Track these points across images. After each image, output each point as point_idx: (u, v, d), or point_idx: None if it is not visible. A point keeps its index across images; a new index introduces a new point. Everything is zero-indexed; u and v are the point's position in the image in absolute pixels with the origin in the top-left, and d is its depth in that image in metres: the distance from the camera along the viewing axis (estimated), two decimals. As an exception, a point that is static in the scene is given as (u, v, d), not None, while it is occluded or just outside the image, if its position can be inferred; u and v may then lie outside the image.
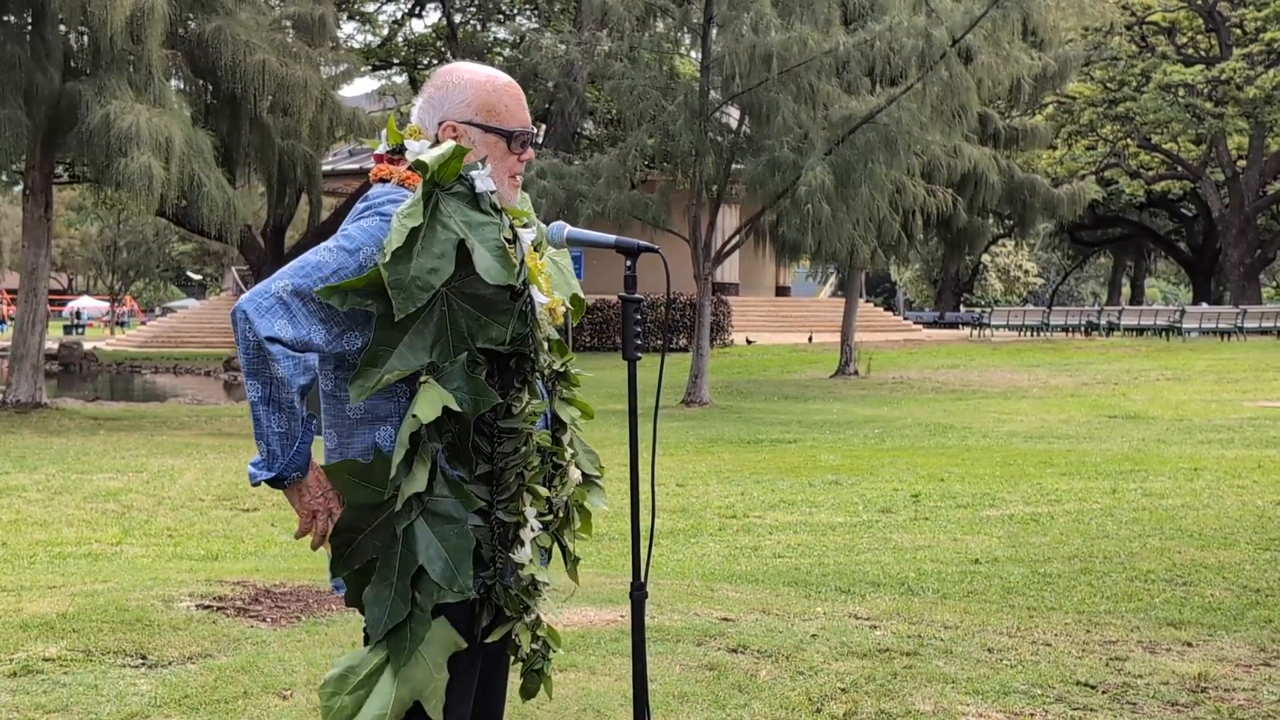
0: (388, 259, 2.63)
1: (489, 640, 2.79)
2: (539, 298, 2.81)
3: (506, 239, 2.73)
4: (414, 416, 2.66)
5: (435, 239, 2.66)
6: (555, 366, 2.98)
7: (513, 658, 2.91)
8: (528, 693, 2.92)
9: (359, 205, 2.82)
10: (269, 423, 2.68)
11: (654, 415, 3.61)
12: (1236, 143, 52.60)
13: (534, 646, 2.86)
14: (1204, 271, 63.23)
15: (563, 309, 2.95)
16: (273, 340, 2.64)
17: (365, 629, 2.79)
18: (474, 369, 2.69)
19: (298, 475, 2.72)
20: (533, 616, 2.84)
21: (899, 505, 11.21)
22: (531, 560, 2.80)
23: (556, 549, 3.03)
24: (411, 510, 2.68)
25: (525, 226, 2.87)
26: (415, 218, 2.66)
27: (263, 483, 2.74)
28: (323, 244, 2.75)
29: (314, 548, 2.82)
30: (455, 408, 2.67)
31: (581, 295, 3.13)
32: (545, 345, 2.92)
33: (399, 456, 2.68)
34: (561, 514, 3.00)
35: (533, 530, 2.80)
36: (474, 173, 2.76)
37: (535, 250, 2.91)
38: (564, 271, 3.07)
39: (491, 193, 2.77)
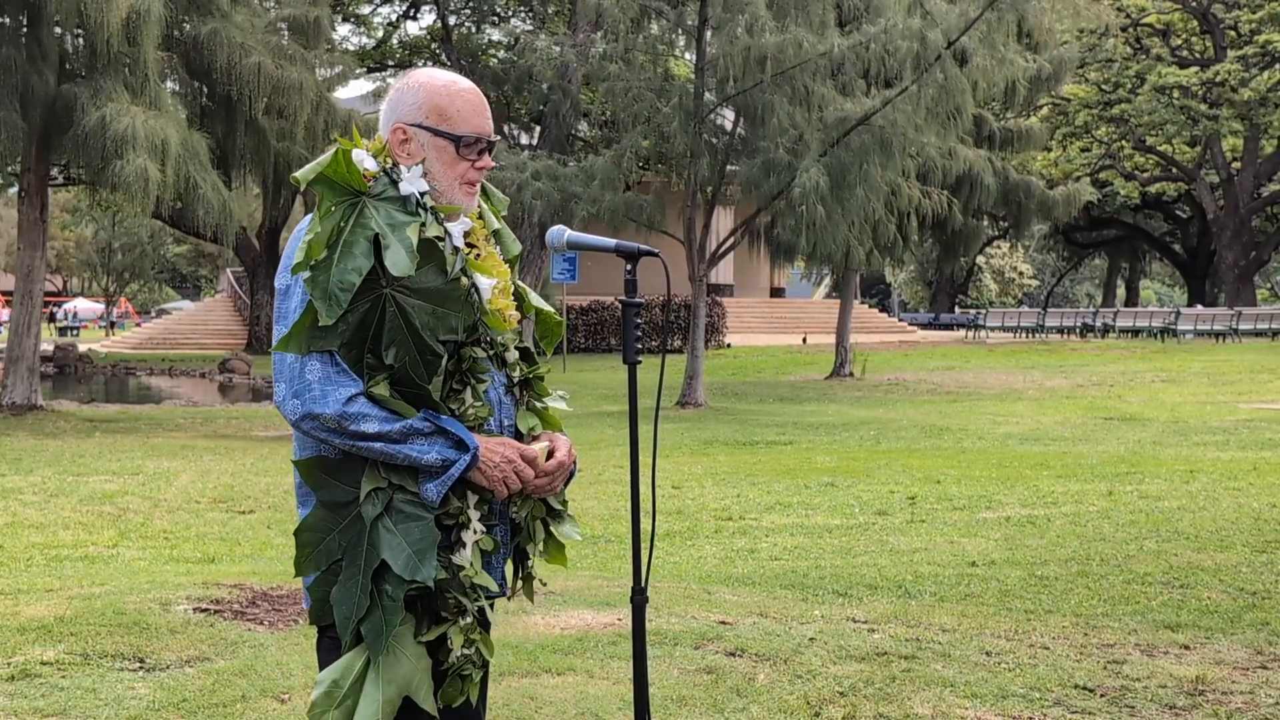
0: (308, 274, 2.66)
1: (424, 639, 2.76)
2: (483, 282, 2.82)
3: (436, 235, 2.73)
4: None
5: (356, 243, 2.68)
6: (518, 374, 2.97)
7: (444, 662, 2.83)
8: (448, 698, 2.85)
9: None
10: (419, 456, 2.70)
11: (654, 419, 3.60)
12: (1231, 145, 52.67)
13: (465, 651, 2.82)
14: (1199, 273, 63.30)
15: (515, 314, 2.94)
16: (350, 400, 2.68)
17: (329, 635, 2.79)
18: (430, 364, 2.71)
19: (472, 455, 2.72)
20: (468, 620, 2.80)
21: (895, 507, 11.22)
22: (472, 563, 2.78)
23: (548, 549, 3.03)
24: (375, 504, 2.69)
25: (478, 220, 2.90)
26: (311, 230, 2.70)
27: (463, 469, 2.73)
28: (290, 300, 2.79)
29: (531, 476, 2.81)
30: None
31: (558, 317, 3.12)
32: (513, 342, 2.94)
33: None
34: (522, 527, 2.95)
35: (475, 533, 2.78)
36: (404, 175, 2.78)
37: (490, 242, 2.93)
38: (525, 293, 3.06)
39: (423, 194, 2.78)
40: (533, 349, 3.03)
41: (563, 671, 5.54)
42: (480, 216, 2.96)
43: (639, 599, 3.06)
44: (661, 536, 9.76)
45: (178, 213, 26.31)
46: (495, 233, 3.01)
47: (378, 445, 2.68)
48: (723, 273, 44.58)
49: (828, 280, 61.20)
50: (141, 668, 5.57)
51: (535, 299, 3.07)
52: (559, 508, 2.99)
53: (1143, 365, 30.47)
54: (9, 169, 23.43)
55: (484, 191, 3.01)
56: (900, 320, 59.76)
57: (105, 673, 5.46)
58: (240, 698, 5.14)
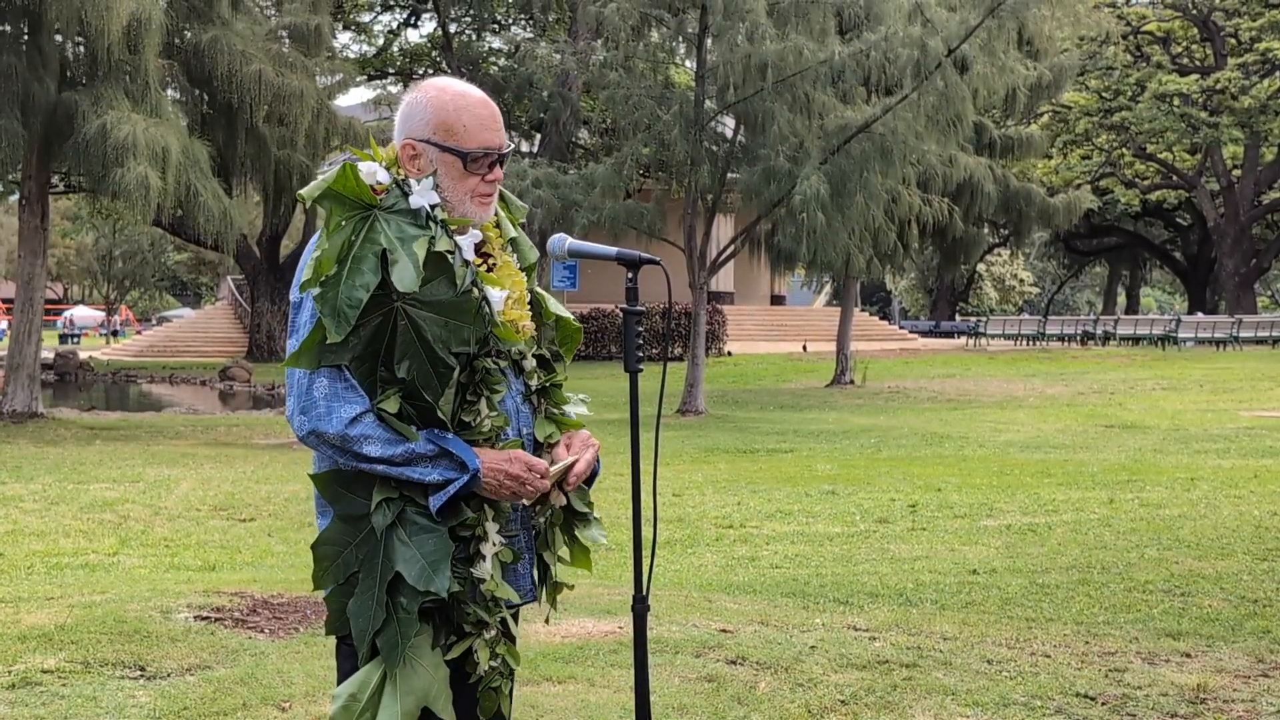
0: (317, 291, 2.66)
1: (448, 657, 2.76)
2: (494, 294, 2.81)
3: (446, 250, 2.72)
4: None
5: (364, 258, 2.67)
6: (536, 382, 2.95)
7: (471, 675, 2.83)
8: (485, 711, 2.87)
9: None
10: (421, 479, 2.70)
11: (655, 427, 3.60)
12: (1231, 152, 52.69)
13: (492, 664, 2.82)
14: (1199, 281, 63.31)
15: (529, 324, 2.91)
16: (354, 421, 2.68)
17: (347, 643, 2.78)
18: (443, 376, 2.70)
19: (471, 476, 2.71)
20: (492, 633, 2.80)
21: (896, 515, 11.21)
22: (492, 576, 2.77)
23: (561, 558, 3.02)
24: (385, 514, 2.69)
25: (494, 230, 2.89)
26: (320, 246, 2.69)
27: (465, 488, 2.72)
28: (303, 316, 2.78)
29: (546, 489, 2.81)
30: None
31: (576, 324, 3.11)
32: (530, 350, 2.93)
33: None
34: (540, 533, 2.95)
35: (493, 545, 2.78)
36: (415, 188, 2.77)
37: (506, 251, 2.92)
38: (542, 299, 3.04)
39: (434, 206, 2.76)
40: (549, 356, 3.02)
41: (564, 680, 5.53)
42: (497, 225, 2.94)
43: (640, 607, 3.05)
44: (662, 544, 9.75)
45: (178, 220, 26.33)
46: (512, 241, 2.99)
47: (380, 468, 2.69)
48: (723, 280, 44.56)
49: (828, 288, 61.27)
50: (142, 676, 5.56)
51: (554, 305, 3.05)
52: (584, 510, 2.98)
53: (1143, 373, 30.47)
54: (10, 177, 23.44)
55: (502, 198, 2.99)
56: (901, 328, 59.78)
57: (106, 681, 5.45)
58: (241, 706, 5.13)
